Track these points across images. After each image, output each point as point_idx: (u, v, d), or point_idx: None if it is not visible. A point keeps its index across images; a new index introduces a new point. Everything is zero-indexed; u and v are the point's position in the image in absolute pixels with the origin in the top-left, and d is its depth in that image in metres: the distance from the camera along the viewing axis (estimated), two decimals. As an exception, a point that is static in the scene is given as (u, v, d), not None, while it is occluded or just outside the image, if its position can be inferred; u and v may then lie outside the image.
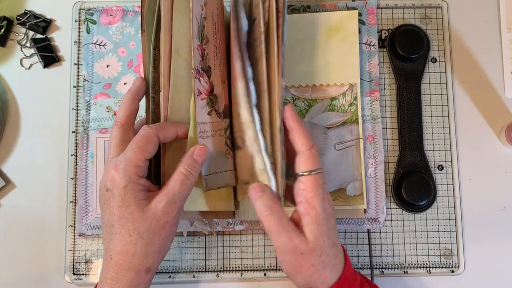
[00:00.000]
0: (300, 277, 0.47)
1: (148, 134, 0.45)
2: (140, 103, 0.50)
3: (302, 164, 0.47)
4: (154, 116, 0.49)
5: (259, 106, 0.49)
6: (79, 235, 0.59)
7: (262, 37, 0.49)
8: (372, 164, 0.60)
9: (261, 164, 0.47)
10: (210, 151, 0.48)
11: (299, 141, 0.47)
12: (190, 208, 0.49)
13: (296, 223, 0.47)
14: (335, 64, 0.60)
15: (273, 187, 0.47)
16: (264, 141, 0.48)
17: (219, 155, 0.50)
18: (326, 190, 0.47)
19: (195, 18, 0.49)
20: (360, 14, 0.63)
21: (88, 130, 0.61)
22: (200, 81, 0.49)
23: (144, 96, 0.50)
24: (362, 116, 0.61)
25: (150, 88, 0.49)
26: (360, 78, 0.61)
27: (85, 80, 0.61)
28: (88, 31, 0.62)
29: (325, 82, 0.60)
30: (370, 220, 0.59)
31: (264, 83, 0.48)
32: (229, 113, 0.52)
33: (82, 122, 0.61)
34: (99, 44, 0.62)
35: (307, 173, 0.46)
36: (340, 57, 0.60)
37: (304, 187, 0.46)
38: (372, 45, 0.62)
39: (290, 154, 0.49)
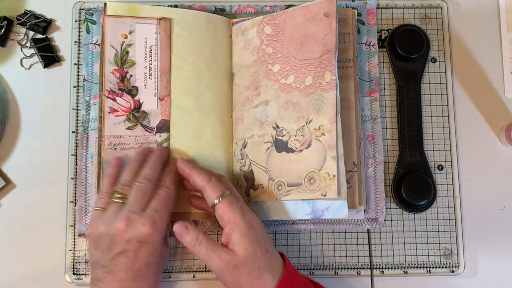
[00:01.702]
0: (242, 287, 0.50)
1: (172, 196, 0.53)
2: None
3: (209, 196, 0.51)
4: None
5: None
6: (79, 235, 0.59)
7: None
8: (371, 164, 0.60)
9: (332, 169, 0.52)
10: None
11: (197, 180, 0.52)
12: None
13: (226, 244, 0.51)
14: None
15: (343, 192, 0.53)
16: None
17: None
18: (244, 205, 0.52)
19: (109, 47, 0.58)
20: (359, 14, 0.63)
21: (88, 130, 0.61)
22: (115, 100, 0.58)
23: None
24: (361, 116, 0.61)
25: None
26: (360, 78, 0.61)
27: (85, 80, 0.61)
28: (88, 31, 0.62)
29: None
30: (370, 220, 0.59)
31: None
32: (168, 127, 0.58)
33: (82, 122, 0.61)
34: (99, 44, 0.62)
35: (217, 200, 0.51)
36: None
37: (221, 212, 0.50)
38: (372, 45, 0.62)
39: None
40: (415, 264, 0.60)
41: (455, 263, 0.60)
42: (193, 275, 0.59)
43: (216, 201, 0.51)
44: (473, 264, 0.60)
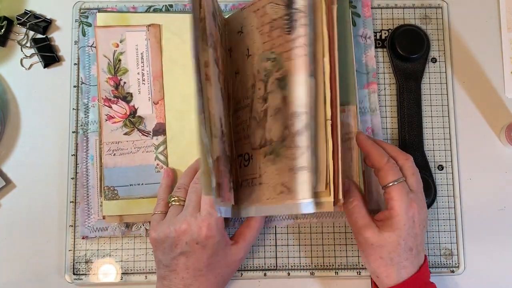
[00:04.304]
0: (368, 264, 0.52)
1: None
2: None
3: (382, 177, 0.52)
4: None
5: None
6: (83, 238, 0.59)
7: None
8: None
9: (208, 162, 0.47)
10: (131, 166, 0.59)
11: (375, 160, 0.52)
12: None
13: (380, 220, 0.52)
14: None
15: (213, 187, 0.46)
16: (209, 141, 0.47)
17: (145, 169, 0.59)
18: (414, 198, 0.51)
19: (102, 56, 0.60)
20: (354, 7, 0.63)
21: (88, 133, 0.61)
22: (112, 107, 0.60)
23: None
24: (360, 108, 0.61)
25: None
26: (357, 71, 0.61)
27: (82, 83, 0.61)
28: (84, 34, 0.62)
29: None
30: (371, 212, 0.59)
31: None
32: (164, 130, 0.60)
33: (81, 125, 0.61)
34: (95, 47, 0.62)
35: (390, 184, 0.51)
36: None
37: (390, 196, 0.51)
38: (368, 38, 0.62)
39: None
40: (415, 264, 0.60)
41: (455, 263, 0.60)
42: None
43: (390, 184, 0.51)
44: (473, 264, 0.60)
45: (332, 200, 0.49)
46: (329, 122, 0.49)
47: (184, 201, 0.54)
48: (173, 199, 0.55)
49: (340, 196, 0.49)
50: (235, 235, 0.55)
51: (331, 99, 0.50)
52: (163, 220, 0.53)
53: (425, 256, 0.53)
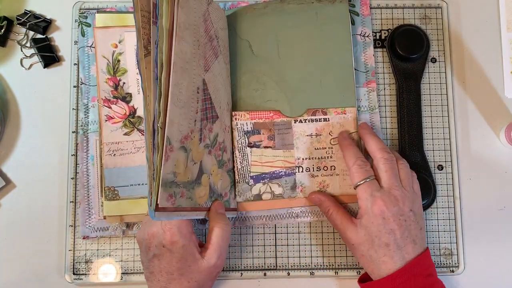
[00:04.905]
0: (359, 260, 0.55)
1: None
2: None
3: (351, 178, 0.55)
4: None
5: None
6: (83, 238, 0.59)
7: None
8: None
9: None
10: (131, 166, 0.59)
11: (346, 161, 0.56)
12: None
13: (359, 219, 0.54)
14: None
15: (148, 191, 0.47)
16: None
17: (145, 169, 0.56)
18: (380, 195, 0.53)
19: (101, 57, 0.60)
20: (353, 6, 0.63)
21: (88, 133, 0.61)
22: (111, 108, 0.60)
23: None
24: (359, 107, 0.61)
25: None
26: (356, 69, 0.61)
27: (82, 83, 0.62)
28: (83, 34, 0.63)
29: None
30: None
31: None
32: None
33: (81, 125, 0.61)
34: (94, 47, 0.62)
35: (358, 184, 0.54)
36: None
37: (358, 196, 0.54)
38: (367, 36, 0.63)
39: None
40: (415, 264, 0.60)
41: (455, 263, 0.60)
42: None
43: (356, 185, 0.54)
44: (473, 264, 0.60)
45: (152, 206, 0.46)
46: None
47: None
48: None
49: (160, 203, 0.46)
50: (206, 242, 0.54)
51: (160, 96, 0.48)
52: (145, 222, 0.54)
53: (426, 249, 0.53)
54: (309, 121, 0.60)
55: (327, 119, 0.60)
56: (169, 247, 0.51)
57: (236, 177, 0.59)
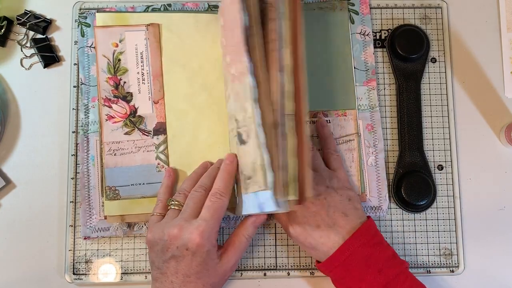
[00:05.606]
0: (310, 254, 0.57)
1: (224, 204, 0.53)
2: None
3: None
4: None
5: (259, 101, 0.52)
6: (85, 238, 0.59)
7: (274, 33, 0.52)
8: (372, 152, 0.60)
9: (260, 159, 0.50)
10: (132, 165, 0.59)
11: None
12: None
13: None
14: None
15: (269, 183, 0.49)
16: (265, 136, 0.50)
17: (146, 169, 0.59)
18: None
19: (102, 56, 0.60)
20: (352, 4, 0.63)
21: (88, 133, 0.61)
22: (112, 107, 0.60)
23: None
24: (359, 106, 0.61)
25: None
26: (356, 68, 0.62)
27: (82, 83, 0.61)
28: (83, 34, 0.62)
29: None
30: (373, 209, 0.59)
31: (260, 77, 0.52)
32: (165, 129, 0.60)
33: (81, 126, 0.61)
34: (94, 47, 0.62)
35: None
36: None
37: None
38: (367, 35, 0.63)
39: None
40: (415, 264, 0.60)
41: (455, 263, 0.60)
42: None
43: None
44: (473, 264, 0.60)
45: (295, 198, 0.50)
46: (291, 117, 0.50)
47: (183, 206, 0.54)
48: (172, 202, 0.54)
49: (309, 194, 0.49)
50: (224, 244, 0.55)
51: (295, 93, 0.50)
52: (159, 222, 0.53)
53: (368, 218, 0.54)
54: (310, 123, 0.60)
55: (328, 121, 0.60)
56: (193, 250, 0.50)
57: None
